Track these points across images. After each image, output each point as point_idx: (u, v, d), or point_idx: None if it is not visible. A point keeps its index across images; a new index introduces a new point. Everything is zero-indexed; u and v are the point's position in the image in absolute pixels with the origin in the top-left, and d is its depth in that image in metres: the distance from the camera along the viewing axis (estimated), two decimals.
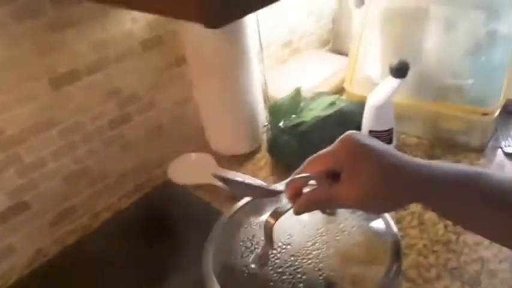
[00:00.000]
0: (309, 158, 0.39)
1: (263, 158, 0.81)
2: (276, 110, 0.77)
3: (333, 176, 0.38)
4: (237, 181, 0.44)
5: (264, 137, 0.80)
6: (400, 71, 0.68)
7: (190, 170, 0.80)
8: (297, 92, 0.79)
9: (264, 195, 0.44)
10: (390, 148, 0.38)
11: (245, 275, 0.43)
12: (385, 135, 0.72)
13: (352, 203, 0.37)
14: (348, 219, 0.47)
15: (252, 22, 0.74)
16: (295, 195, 0.39)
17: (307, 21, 1.05)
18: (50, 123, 0.65)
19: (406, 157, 0.37)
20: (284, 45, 1.02)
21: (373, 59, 0.82)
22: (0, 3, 0.54)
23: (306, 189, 0.40)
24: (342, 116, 0.75)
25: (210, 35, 0.69)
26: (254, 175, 0.75)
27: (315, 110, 0.75)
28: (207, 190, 0.74)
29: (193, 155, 0.82)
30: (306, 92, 0.81)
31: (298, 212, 0.40)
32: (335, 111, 0.74)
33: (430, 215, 0.61)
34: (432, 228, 0.59)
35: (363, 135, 0.38)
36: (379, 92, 0.71)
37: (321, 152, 0.39)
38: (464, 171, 0.37)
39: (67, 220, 0.72)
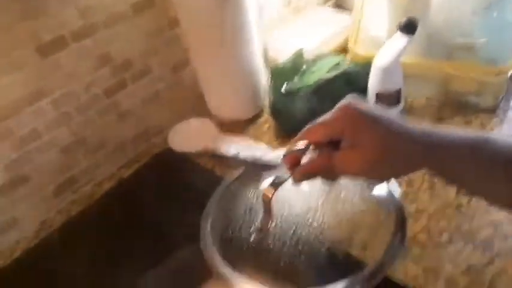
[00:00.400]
0: (307, 126, 0.38)
1: (266, 122, 0.78)
2: (277, 73, 0.74)
3: (332, 143, 0.36)
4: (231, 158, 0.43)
5: (267, 101, 0.77)
6: (409, 27, 0.64)
7: (190, 136, 0.78)
8: (299, 54, 0.75)
9: (262, 168, 0.43)
10: (392, 115, 0.37)
11: (245, 246, 0.42)
12: (393, 97, 0.69)
13: (354, 171, 0.36)
14: (349, 187, 0.46)
15: None
16: (294, 164, 0.38)
17: None
18: (41, 94, 0.63)
19: (409, 124, 0.36)
20: (283, 3, 0.95)
21: (379, 17, 0.77)
22: None
23: (304, 158, 0.38)
24: (346, 78, 0.71)
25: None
26: (257, 140, 0.73)
27: (318, 73, 0.71)
28: (209, 157, 0.72)
29: (192, 121, 0.80)
30: (308, 54, 0.77)
31: (297, 181, 0.39)
32: (339, 74, 0.71)
33: None
34: (443, 191, 0.57)
35: (362, 101, 0.37)
36: (386, 51, 0.67)
37: (319, 119, 0.37)
38: (469, 137, 0.36)
39: (69, 190, 0.71)
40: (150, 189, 0.70)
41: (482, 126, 0.67)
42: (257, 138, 0.74)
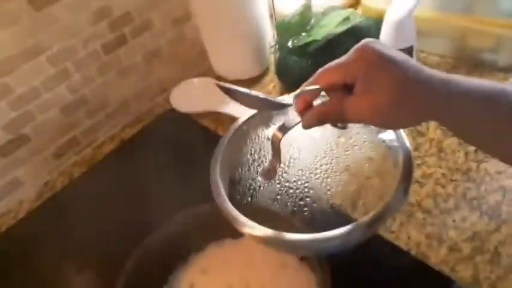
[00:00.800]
0: (320, 69, 0.35)
1: (271, 81, 0.75)
2: (284, 28, 0.70)
3: (346, 88, 0.34)
4: (241, 92, 0.40)
5: (272, 59, 0.74)
6: None
7: (193, 96, 0.75)
8: (307, 7, 0.71)
9: (271, 107, 0.41)
10: (410, 59, 0.34)
11: (252, 188, 0.42)
12: (405, 53, 0.65)
13: (367, 117, 0.34)
14: (359, 133, 0.44)
15: None
16: (305, 108, 0.36)
17: None
18: (37, 49, 0.60)
19: (427, 70, 0.33)
20: None
21: None
22: None
23: (316, 102, 0.36)
24: (357, 33, 0.67)
25: None
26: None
27: (327, 27, 0.67)
28: (212, 118, 0.70)
29: (195, 80, 0.77)
30: (317, 7, 0.73)
31: (307, 126, 0.37)
32: (349, 28, 0.67)
33: (450, 142, 0.57)
34: (451, 156, 0.56)
35: (381, 43, 0.34)
36: (398, 5, 0.63)
37: (333, 62, 0.35)
38: (487, 87, 0.33)
39: (71, 152, 0.70)
40: (152, 150, 0.68)
41: None
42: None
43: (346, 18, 0.69)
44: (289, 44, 0.67)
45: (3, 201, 0.65)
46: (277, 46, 0.71)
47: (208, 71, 0.79)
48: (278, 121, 0.39)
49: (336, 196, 0.42)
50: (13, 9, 0.56)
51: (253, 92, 0.39)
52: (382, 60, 0.32)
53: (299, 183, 0.41)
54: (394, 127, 0.39)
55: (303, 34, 0.68)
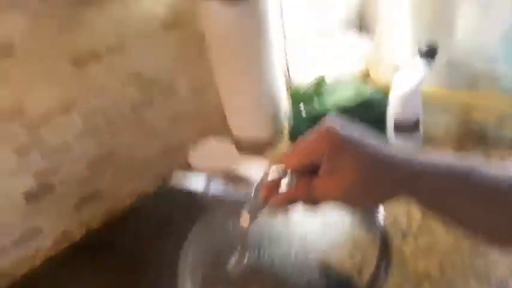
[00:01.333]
0: (286, 151, 0.38)
1: (285, 145, 0.80)
2: (298, 97, 0.76)
3: (313, 168, 0.35)
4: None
5: (287, 124, 0.78)
6: (429, 52, 0.65)
7: (210, 155, 0.79)
8: (321, 79, 0.77)
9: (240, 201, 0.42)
10: (375, 139, 0.36)
11: (223, 280, 0.42)
12: (412, 126, 0.70)
13: (335, 197, 0.35)
14: (332, 212, 0.45)
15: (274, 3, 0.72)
16: (272, 190, 0.37)
17: (333, 2, 1.01)
18: (73, 105, 0.66)
19: (393, 149, 0.35)
20: (307, 27, 0.98)
21: (401, 43, 0.78)
22: None
23: (284, 182, 0.37)
24: (366, 105, 0.73)
25: (228, 14, 0.67)
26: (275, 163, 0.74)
27: (339, 99, 0.73)
28: (226, 176, 0.74)
29: (212, 140, 0.82)
30: (330, 78, 0.79)
31: (275, 209, 0.38)
32: (359, 100, 0.72)
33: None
34: None
35: (344, 122, 0.36)
36: (405, 78, 0.68)
37: (298, 143, 0.36)
38: (453, 166, 0.35)
39: (92, 204, 0.73)
40: (174, 206, 0.71)
41: (502, 159, 0.67)
42: (275, 162, 0.74)
43: (357, 91, 0.75)
44: (303, 112, 0.72)
45: (21, 247, 0.67)
46: (291, 114, 0.76)
47: (226, 133, 0.84)
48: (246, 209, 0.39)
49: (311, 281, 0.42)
50: (56, 67, 0.62)
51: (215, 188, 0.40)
52: (345, 142, 0.34)
53: (272, 270, 0.41)
54: (363, 205, 0.40)
55: (316, 103, 0.73)
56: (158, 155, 0.79)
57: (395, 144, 0.35)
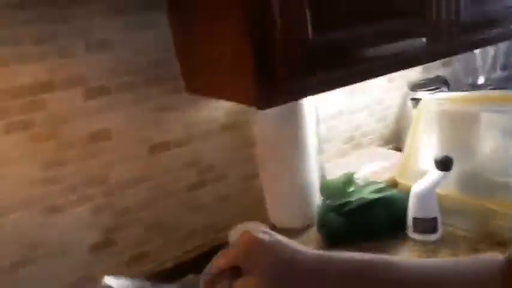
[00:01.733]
0: (221, 251, 0.42)
1: (313, 234, 0.88)
2: (327, 190, 0.86)
3: (237, 270, 0.39)
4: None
5: (316, 215, 0.88)
6: (443, 164, 0.74)
7: None
8: (350, 175, 0.87)
9: None
10: (288, 242, 0.40)
11: None
12: (429, 224, 0.75)
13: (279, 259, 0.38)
14: None
15: (313, 116, 0.89)
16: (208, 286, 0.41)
17: (370, 121, 1.17)
18: (142, 180, 0.84)
19: (304, 251, 0.39)
20: (346, 140, 1.13)
21: (425, 156, 0.88)
22: (123, 90, 0.78)
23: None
24: (388, 202, 0.80)
25: (272, 122, 0.85)
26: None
27: (363, 193, 0.82)
28: None
29: (250, 224, 0.92)
30: (359, 179, 0.89)
31: None
32: (381, 197, 0.80)
33: None
34: None
35: (263, 229, 0.41)
36: (423, 181, 0.76)
37: (229, 247, 0.42)
38: (358, 261, 0.38)
39: (140, 262, 0.86)
40: None
41: None
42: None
43: (380, 189, 0.83)
44: (328, 202, 0.82)
45: None
46: (320, 205, 0.86)
47: (264, 218, 0.95)
48: None
49: None
50: (136, 151, 0.82)
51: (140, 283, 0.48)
52: (259, 246, 0.38)
53: None
54: None
55: (342, 196, 0.83)
56: (202, 228, 0.92)
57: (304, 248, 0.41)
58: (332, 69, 0.52)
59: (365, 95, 1.16)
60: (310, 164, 0.89)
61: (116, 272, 0.83)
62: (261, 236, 0.39)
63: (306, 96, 0.59)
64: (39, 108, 0.70)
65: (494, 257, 0.42)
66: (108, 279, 0.46)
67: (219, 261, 0.41)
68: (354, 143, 1.15)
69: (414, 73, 1.24)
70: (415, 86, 1.13)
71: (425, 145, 0.89)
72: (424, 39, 0.61)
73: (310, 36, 0.50)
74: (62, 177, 0.75)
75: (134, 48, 0.77)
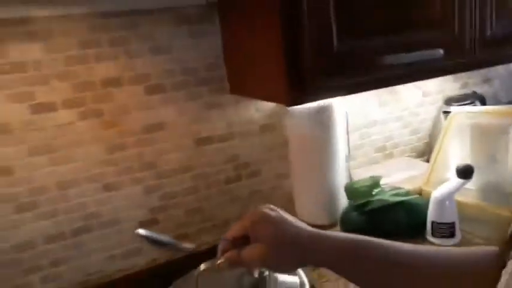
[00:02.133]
0: (234, 223, 0.51)
1: (337, 230, 0.94)
2: (353, 190, 0.92)
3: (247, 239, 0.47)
4: (154, 238, 0.57)
5: (340, 213, 0.94)
6: (464, 173, 0.78)
7: None
8: (376, 179, 0.93)
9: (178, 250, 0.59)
10: (291, 219, 0.48)
11: None
12: (447, 228, 0.79)
13: (258, 262, 0.46)
14: None
15: (343, 123, 0.96)
16: (224, 251, 0.49)
17: (404, 132, 1.21)
18: (188, 169, 0.95)
19: (304, 227, 0.46)
20: (377, 149, 1.18)
21: (451, 165, 0.92)
22: (177, 88, 0.90)
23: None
24: (409, 206, 0.85)
25: (305, 127, 0.93)
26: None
27: (385, 196, 0.87)
28: None
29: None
30: (385, 185, 0.95)
31: (221, 268, 0.49)
32: (403, 200, 0.86)
33: None
34: None
35: (270, 208, 0.49)
36: (443, 187, 0.81)
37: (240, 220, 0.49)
38: (351, 240, 0.45)
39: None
40: None
41: None
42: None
43: (403, 194, 0.89)
44: (352, 202, 0.89)
45: (124, 260, 0.91)
46: (345, 205, 0.92)
47: (293, 214, 1.02)
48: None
49: None
50: (184, 143, 0.94)
51: (164, 238, 0.57)
52: (266, 219, 0.47)
53: None
54: (281, 270, 0.52)
55: (366, 197, 0.89)
56: (234, 219, 1.01)
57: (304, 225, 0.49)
58: (353, 75, 0.60)
59: (399, 107, 1.21)
60: (338, 167, 0.96)
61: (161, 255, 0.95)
62: (268, 211, 0.48)
63: (329, 97, 0.67)
64: (108, 100, 0.84)
65: (486, 251, 0.46)
66: (141, 230, 0.57)
67: (231, 230, 0.50)
68: (385, 152, 1.20)
69: (452, 88, 1.27)
70: (450, 100, 1.17)
71: (452, 155, 0.93)
72: (441, 51, 0.66)
73: (335, 45, 0.59)
74: (121, 160, 0.88)
75: (190, 53, 0.89)
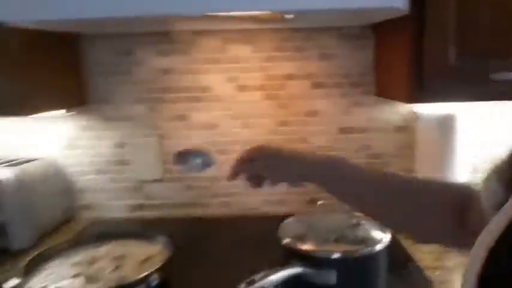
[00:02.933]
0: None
1: None
2: None
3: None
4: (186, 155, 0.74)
5: None
6: None
7: None
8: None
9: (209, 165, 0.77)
10: (285, 148, 0.65)
11: None
12: None
13: (273, 152, 0.63)
14: None
15: (468, 136, 1.11)
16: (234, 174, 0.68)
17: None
18: (328, 150, 1.22)
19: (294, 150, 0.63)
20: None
21: None
22: (334, 86, 1.19)
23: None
24: None
25: (432, 133, 1.11)
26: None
27: None
28: None
29: None
30: None
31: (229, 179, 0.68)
32: None
33: None
34: None
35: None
36: None
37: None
38: (333, 158, 0.59)
39: (313, 205, 1.25)
40: None
41: None
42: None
43: None
44: None
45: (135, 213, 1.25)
46: None
47: None
48: None
49: None
50: (331, 130, 1.22)
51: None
52: (264, 146, 0.69)
53: None
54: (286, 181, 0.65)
55: None
56: None
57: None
58: (466, 86, 0.79)
59: None
60: (460, 176, 1.11)
61: (298, 208, 1.25)
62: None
63: (442, 102, 0.84)
64: (282, 88, 1.19)
65: (464, 184, 0.53)
66: None
67: (238, 156, 0.67)
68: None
69: None
70: None
71: None
72: None
73: (451, 61, 0.79)
74: (283, 134, 1.21)
75: (348, 61, 1.18)
